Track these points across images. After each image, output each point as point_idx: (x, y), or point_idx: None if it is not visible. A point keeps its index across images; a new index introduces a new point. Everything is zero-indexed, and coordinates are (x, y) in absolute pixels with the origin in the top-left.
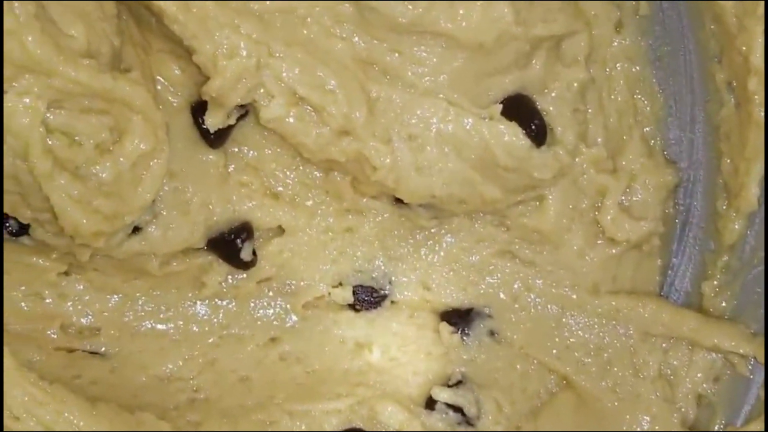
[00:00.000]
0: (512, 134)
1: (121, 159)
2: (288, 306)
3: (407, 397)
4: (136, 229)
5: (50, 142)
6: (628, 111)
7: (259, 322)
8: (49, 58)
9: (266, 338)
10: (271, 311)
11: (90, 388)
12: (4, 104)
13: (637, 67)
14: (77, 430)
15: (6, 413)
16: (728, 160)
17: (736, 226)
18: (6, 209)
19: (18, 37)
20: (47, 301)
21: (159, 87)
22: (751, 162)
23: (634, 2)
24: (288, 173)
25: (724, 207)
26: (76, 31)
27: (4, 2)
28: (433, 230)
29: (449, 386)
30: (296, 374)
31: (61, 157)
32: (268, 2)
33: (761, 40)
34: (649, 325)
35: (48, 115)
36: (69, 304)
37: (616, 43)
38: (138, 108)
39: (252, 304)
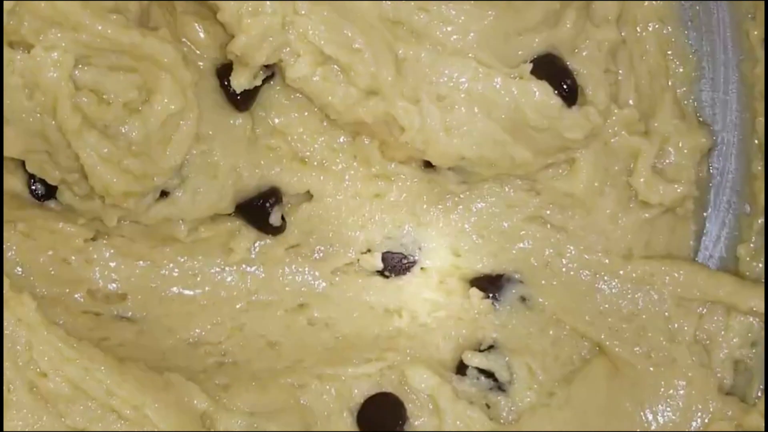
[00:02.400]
0: (543, 93)
1: (151, 119)
2: (317, 272)
3: (438, 362)
4: (164, 194)
5: (79, 100)
6: (660, 72)
7: (287, 288)
8: (76, 12)
9: (295, 304)
10: (300, 277)
11: (117, 349)
12: (33, 59)
13: (669, 28)
14: (105, 387)
15: (33, 370)
16: (762, 119)
17: None
18: (33, 169)
19: None
20: (74, 266)
21: (185, 50)
22: None
23: None
24: (316, 137)
25: (759, 168)
26: None
27: None
28: (462, 196)
29: (480, 351)
30: (325, 339)
31: (89, 115)
32: None
33: None
34: (684, 290)
35: (76, 72)
36: (96, 269)
37: (647, 4)
38: (166, 66)
39: (280, 270)
